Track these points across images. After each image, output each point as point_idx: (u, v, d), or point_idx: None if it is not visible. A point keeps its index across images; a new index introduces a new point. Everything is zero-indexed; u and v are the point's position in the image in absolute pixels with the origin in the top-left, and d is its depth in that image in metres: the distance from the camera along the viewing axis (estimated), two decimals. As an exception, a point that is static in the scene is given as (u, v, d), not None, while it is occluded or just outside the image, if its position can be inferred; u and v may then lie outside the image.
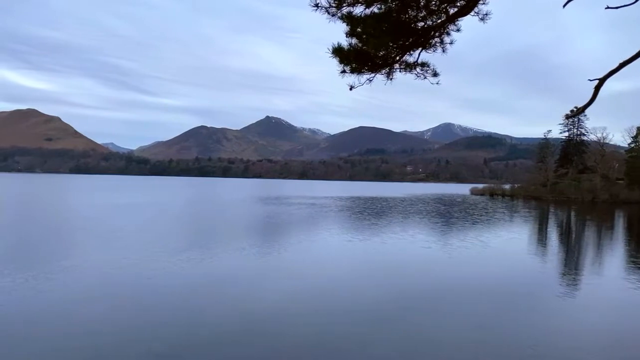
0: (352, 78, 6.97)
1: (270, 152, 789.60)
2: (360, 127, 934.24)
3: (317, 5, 6.36)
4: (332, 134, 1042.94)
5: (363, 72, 7.05)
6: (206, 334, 12.25)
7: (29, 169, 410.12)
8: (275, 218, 46.06)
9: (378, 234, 34.63)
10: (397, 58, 7.08)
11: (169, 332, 12.29)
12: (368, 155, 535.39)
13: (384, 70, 7.22)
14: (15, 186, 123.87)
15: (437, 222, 44.53)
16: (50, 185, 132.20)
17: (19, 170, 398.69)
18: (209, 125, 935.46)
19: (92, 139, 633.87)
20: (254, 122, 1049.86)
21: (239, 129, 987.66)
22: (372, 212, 56.17)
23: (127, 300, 15.22)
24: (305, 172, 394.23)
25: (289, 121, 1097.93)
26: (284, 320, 13.52)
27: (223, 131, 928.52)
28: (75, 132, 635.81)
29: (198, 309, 14.52)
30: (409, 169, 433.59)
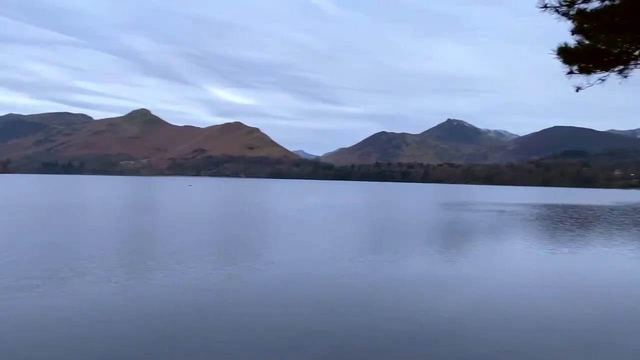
0: (579, 79, 6.31)
1: (451, 156, 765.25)
2: (555, 127, 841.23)
3: (545, 6, 5.98)
4: (520, 135, 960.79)
5: (593, 72, 6.34)
6: (384, 334, 12.41)
7: (235, 174, 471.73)
8: (459, 224, 44.47)
9: (584, 247, 30.75)
10: (637, 53, 6.18)
11: (350, 329, 12.77)
12: (565, 157, 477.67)
13: (617, 68, 6.38)
14: (226, 190, 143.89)
15: (661, 237, 37.57)
16: (252, 189, 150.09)
17: (227, 176, 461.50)
18: (388, 131, 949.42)
19: (285, 147, 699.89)
20: (435, 125, 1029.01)
21: (418, 133, 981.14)
22: (574, 222, 50.16)
23: (314, 296, 16.34)
24: (491, 177, 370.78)
25: (472, 123, 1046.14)
26: (461, 329, 12.94)
27: (402, 136, 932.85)
28: (272, 141, 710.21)
29: (379, 309, 14.80)
30: (617, 173, 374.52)
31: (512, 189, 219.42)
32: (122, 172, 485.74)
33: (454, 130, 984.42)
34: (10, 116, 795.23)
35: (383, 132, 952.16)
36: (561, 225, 46.12)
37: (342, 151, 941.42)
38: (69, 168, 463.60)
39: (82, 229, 34.97)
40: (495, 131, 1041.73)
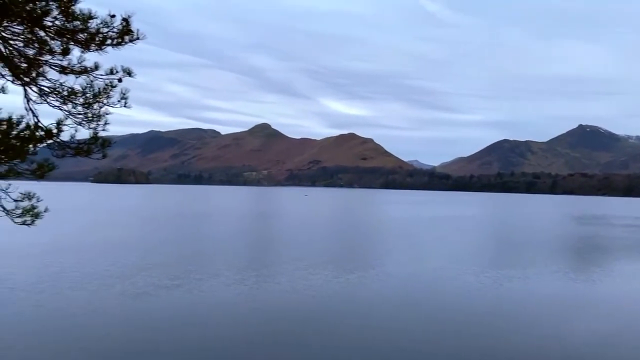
0: None
1: (584, 165, 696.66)
2: None
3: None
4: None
5: None
6: (517, 355, 11.66)
7: (349, 184, 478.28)
8: (594, 240, 40.30)
9: None
10: None
11: (480, 348, 12.18)
12: None
13: None
14: (341, 200, 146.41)
15: None
16: (366, 199, 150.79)
17: (341, 186, 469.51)
18: (511, 139, 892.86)
19: (399, 157, 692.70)
20: (564, 132, 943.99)
21: (545, 140, 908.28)
22: None
23: (436, 311, 15.83)
24: (632, 188, 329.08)
25: (608, 129, 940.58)
26: (604, 356, 11.63)
27: (527, 144, 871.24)
28: (385, 151, 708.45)
29: (510, 328, 13.93)
30: None
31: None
32: (245, 183, 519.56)
33: (586, 137, 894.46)
34: (151, 133, 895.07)
35: (505, 140, 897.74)
36: None
37: (459, 160, 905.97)
38: (199, 179, 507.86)
39: (215, 235, 38.10)
40: (638, 137, 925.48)
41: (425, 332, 13.53)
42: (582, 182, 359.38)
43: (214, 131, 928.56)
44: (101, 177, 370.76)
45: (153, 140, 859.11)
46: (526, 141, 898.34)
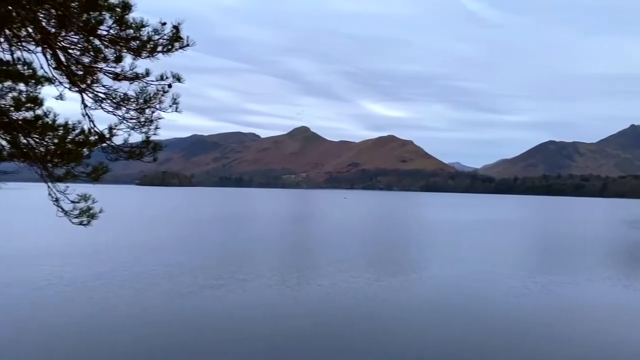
0: None
1: (636, 167, 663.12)
2: None
3: None
4: None
5: None
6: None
7: (388, 186, 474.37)
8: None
9: None
10: None
11: (515, 353, 11.78)
12: None
13: None
14: (380, 203, 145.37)
15: None
16: (407, 202, 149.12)
17: (381, 189, 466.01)
18: (557, 140, 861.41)
19: (440, 159, 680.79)
20: (615, 132, 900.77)
21: (594, 142, 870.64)
22: None
23: (481, 317, 15.44)
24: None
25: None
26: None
27: (574, 145, 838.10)
28: (426, 153, 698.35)
29: (549, 338, 13.38)
30: None
31: None
32: (284, 185, 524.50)
33: (639, 138, 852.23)
34: (194, 137, 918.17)
35: (551, 142, 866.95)
36: None
37: (503, 162, 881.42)
38: (240, 181, 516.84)
39: (257, 236, 38.64)
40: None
41: (470, 339, 13.25)
42: (634, 184, 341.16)
43: (254, 134, 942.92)
44: (146, 180, 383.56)
45: (196, 144, 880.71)
46: (573, 142, 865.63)
